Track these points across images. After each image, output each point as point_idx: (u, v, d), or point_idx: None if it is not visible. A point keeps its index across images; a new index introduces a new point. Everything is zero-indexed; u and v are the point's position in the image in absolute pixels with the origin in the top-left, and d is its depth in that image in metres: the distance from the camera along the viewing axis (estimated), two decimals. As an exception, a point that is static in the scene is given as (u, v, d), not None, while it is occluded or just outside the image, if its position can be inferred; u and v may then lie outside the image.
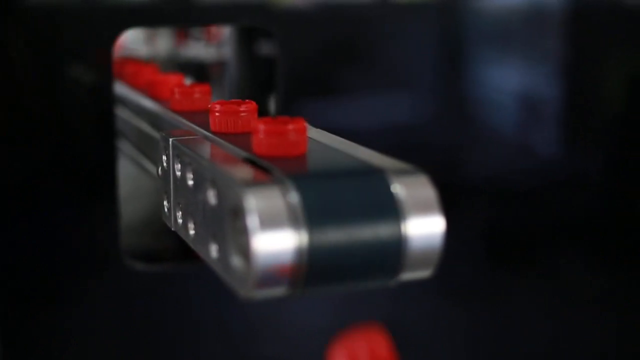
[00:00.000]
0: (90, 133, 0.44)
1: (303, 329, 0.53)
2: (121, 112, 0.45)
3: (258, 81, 0.55)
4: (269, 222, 0.22)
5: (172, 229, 0.31)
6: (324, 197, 0.23)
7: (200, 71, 0.58)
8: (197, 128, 0.31)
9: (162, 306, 0.49)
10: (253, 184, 0.23)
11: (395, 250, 0.24)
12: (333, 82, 0.52)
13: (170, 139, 0.30)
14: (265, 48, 0.54)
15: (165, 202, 0.31)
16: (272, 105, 0.52)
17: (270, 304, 0.49)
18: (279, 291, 0.23)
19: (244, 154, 0.27)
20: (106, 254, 0.46)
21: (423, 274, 0.25)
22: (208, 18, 0.48)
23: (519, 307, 0.59)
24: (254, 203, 0.22)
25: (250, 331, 0.52)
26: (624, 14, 0.57)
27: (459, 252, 0.54)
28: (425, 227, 0.24)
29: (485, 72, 0.55)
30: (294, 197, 0.23)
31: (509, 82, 0.56)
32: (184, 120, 0.33)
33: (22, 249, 0.45)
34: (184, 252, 0.48)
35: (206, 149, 0.28)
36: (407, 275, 0.24)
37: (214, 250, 0.26)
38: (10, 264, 0.45)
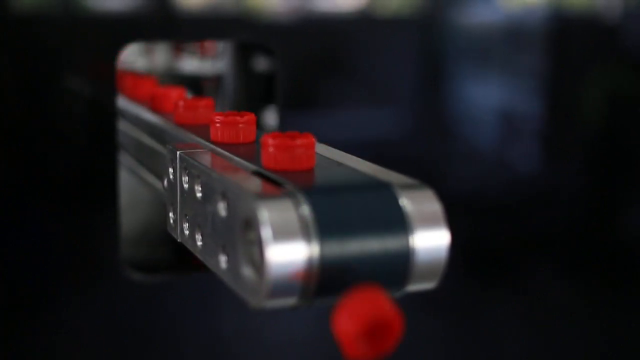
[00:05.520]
0: (92, 145, 0.45)
1: (291, 341, 0.53)
2: (120, 125, 0.45)
3: (253, 95, 0.55)
4: (282, 234, 0.23)
5: (178, 240, 0.31)
6: (335, 210, 0.24)
7: (195, 85, 0.59)
8: (203, 141, 0.32)
9: (159, 315, 0.49)
10: (266, 196, 0.24)
11: (403, 262, 0.24)
12: (320, 96, 0.52)
13: (178, 152, 0.31)
14: (262, 63, 0.54)
15: (170, 214, 0.32)
16: (269, 118, 0.53)
17: (264, 315, 0.49)
18: (289, 301, 0.24)
19: (253, 167, 0.27)
20: (105, 264, 0.46)
21: (428, 285, 0.25)
22: (205, 33, 0.49)
23: (496, 320, 0.59)
24: (268, 215, 0.23)
25: (244, 341, 0.52)
26: (602, 31, 0.58)
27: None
28: (431, 240, 0.25)
29: (466, 87, 0.55)
30: (306, 209, 0.24)
31: (488, 97, 0.56)
32: (189, 134, 0.34)
33: (22, 258, 0.45)
34: (181, 262, 0.49)
35: (215, 162, 0.29)
36: (413, 287, 0.25)
37: (223, 261, 0.26)
38: (11, 272, 0.45)
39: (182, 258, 0.46)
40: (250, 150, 0.30)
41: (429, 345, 0.58)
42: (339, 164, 0.28)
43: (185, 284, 0.49)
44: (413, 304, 0.56)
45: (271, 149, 0.27)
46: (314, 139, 0.27)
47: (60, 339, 0.47)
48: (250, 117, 0.32)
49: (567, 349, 0.61)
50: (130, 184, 0.45)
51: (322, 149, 0.30)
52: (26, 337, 0.47)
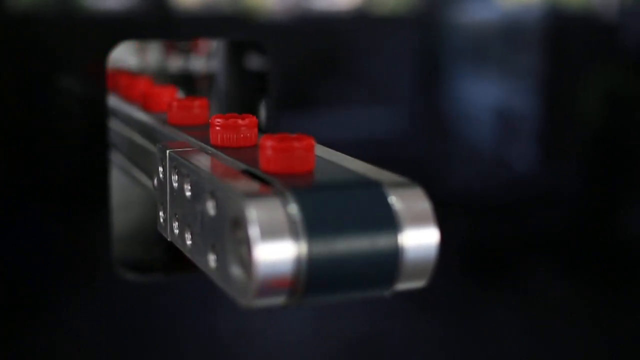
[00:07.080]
0: (83, 144, 0.45)
1: (285, 342, 0.53)
2: (112, 123, 0.45)
3: (246, 93, 0.55)
4: (270, 233, 0.23)
5: (168, 239, 0.31)
6: (323, 208, 0.24)
7: (188, 83, 0.59)
8: (195, 141, 0.32)
9: (153, 315, 0.49)
10: (254, 195, 0.24)
11: (392, 261, 0.24)
12: (314, 96, 0.52)
13: (168, 151, 0.30)
14: (255, 62, 0.54)
15: (161, 213, 0.32)
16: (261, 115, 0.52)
17: (258, 316, 0.49)
18: (278, 301, 0.24)
19: (242, 166, 0.27)
20: (98, 264, 0.46)
21: (417, 284, 0.25)
22: (199, 32, 0.49)
23: (495, 320, 0.59)
24: (255, 214, 0.23)
25: (239, 342, 0.52)
26: (600, 29, 0.58)
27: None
28: (421, 239, 0.25)
29: (464, 86, 0.55)
30: (294, 208, 0.23)
31: (486, 96, 0.56)
32: (182, 134, 0.34)
33: (14, 258, 0.45)
34: (174, 262, 0.48)
35: (204, 161, 0.29)
36: (403, 285, 0.25)
37: (212, 260, 0.26)
38: (3, 272, 0.45)
39: (176, 257, 0.46)
40: (246, 152, 0.29)
41: (428, 345, 0.58)
42: (330, 162, 0.28)
43: (180, 283, 0.49)
44: (412, 304, 0.56)
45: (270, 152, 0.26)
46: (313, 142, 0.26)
47: (55, 339, 0.47)
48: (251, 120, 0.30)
49: (566, 349, 0.61)
50: (123, 183, 0.45)
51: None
52: (20, 338, 0.46)
